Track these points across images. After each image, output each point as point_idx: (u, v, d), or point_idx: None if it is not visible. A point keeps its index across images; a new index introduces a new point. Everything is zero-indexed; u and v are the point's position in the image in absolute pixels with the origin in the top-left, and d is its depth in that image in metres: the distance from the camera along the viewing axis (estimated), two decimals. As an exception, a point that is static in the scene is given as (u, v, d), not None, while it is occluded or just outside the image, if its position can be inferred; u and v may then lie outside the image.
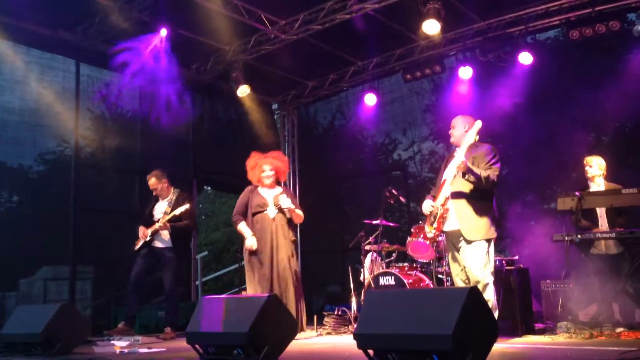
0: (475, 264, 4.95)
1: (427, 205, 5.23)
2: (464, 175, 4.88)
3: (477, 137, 5.10)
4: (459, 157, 4.93)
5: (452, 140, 5.33)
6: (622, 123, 8.15)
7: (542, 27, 8.53)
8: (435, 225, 5.09)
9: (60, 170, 8.35)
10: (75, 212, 8.08)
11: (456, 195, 5.05)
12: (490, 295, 4.92)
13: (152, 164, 7.73)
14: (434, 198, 5.23)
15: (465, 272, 5.07)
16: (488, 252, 5.00)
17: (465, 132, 5.20)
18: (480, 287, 4.83)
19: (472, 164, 4.93)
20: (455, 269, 5.22)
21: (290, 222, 6.20)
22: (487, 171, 4.95)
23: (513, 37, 8.53)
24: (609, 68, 8.01)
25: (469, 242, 4.97)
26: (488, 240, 5.01)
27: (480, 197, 5.02)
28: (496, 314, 4.95)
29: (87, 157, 8.47)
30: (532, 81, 8.40)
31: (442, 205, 5.08)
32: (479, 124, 5.08)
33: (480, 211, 5.00)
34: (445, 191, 5.10)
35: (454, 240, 5.13)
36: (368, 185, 10.26)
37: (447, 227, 5.13)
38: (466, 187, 5.00)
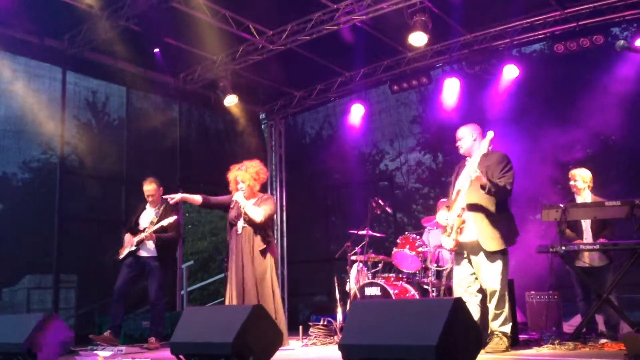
0: (493, 274, 4.95)
1: (442, 216, 5.20)
2: (483, 188, 4.85)
3: (490, 147, 4.97)
4: (472, 168, 4.86)
5: (461, 151, 5.28)
6: (607, 136, 8.23)
7: (527, 41, 8.65)
8: (453, 236, 5.05)
9: (45, 178, 8.29)
10: (60, 220, 8.02)
11: (472, 206, 5.02)
12: (505, 307, 4.96)
13: (138, 173, 7.70)
14: (449, 208, 5.21)
15: (478, 281, 5.07)
16: (505, 261, 5.02)
17: (473, 140, 5.20)
18: (496, 296, 4.90)
19: (486, 174, 4.91)
20: (460, 277, 5.18)
21: (259, 231, 5.97)
22: (502, 179, 4.96)
23: (499, 49, 8.63)
24: (594, 81, 8.10)
25: (487, 252, 4.96)
26: (505, 250, 5.03)
27: (497, 206, 5.01)
28: (509, 326, 5.03)
29: (72, 165, 8.42)
30: (518, 93, 8.49)
31: (459, 216, 5.04)
32: (491, 134, 4.97)
33: (497, 221, 4.99)
34: (460, 202, 5.06)
35: (469, 250, 5.10)
36: (355, 195, 10.26)
37: (463, 238, 5.07)
38: (482, 197, 4.96)
